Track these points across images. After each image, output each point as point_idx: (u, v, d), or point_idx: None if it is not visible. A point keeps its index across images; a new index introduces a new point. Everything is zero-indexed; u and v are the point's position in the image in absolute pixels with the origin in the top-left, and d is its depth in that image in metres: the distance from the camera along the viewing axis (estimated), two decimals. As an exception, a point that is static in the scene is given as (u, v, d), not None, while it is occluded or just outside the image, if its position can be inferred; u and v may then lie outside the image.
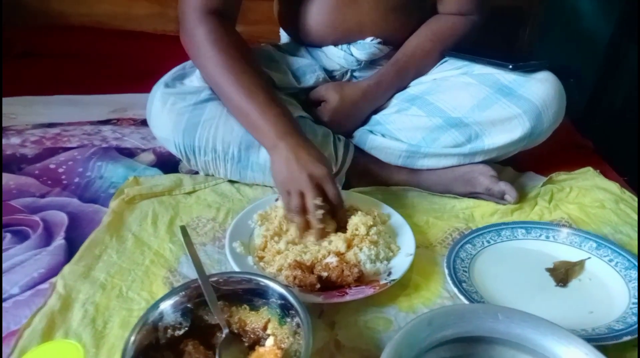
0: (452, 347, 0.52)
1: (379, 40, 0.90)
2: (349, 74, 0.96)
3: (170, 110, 0.83)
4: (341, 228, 0.72)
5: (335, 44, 0.92)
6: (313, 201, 0.68)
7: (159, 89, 0.85)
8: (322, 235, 0.70)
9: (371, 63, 0.94)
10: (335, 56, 0.93)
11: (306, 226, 0.70)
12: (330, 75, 0.96)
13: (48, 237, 0.75)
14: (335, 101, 0.88)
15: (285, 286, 0.56)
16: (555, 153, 0.94)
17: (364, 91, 0.88)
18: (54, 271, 0.68)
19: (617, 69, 1.59)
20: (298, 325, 0.54)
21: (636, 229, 0.77)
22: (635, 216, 0.80)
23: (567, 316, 0.60)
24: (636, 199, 0.85)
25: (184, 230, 0.61)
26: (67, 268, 0.67)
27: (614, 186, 0.86)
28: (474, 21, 0.91)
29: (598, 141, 1.10)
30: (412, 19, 0.90)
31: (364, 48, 0.90)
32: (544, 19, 1.48)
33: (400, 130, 0.86)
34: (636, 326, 0.55)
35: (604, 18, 1.64)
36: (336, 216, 0.71)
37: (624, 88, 1.59)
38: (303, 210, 0.69)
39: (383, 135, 0.88)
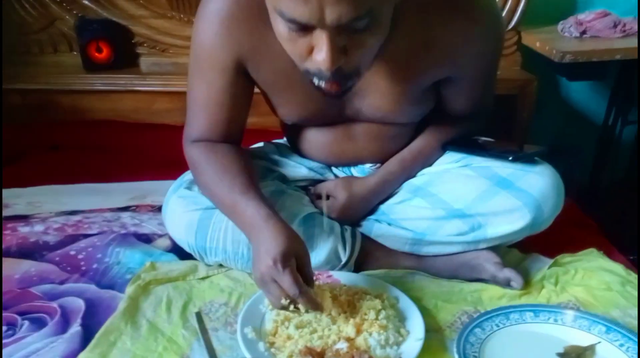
0: None
1: (378, 164, 0.97)
2: None
3: (183, 213, 0.89)
4: (315, 307, 0.71)
5: (336, 167, 1.00)
6: (278, 302, 0.70)
7: (174, 192, 0.92)
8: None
9: None
10: (337, 173, 1.01)
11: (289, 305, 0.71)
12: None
13: (65, 324, 0.77)
14: (343, 199, 0.91)
15: (296, 374, 0.57)
16: (559, 233, 0.96)
17: (371, 189, 0.92)
18: (69, 359, 0.69)
19: (613, 147, 1.65)
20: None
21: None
22: (644, 299, 0.80)
23: None
24: (642, 280, 0.85)
25: (199, 316, 0.63)
26: (82, 356, 0.68)
27: (619, 268, 0.87)
28: (477, 122, 0.97)
29: (601, 219, 1.13)
30: (410, 140, 0.95)
31: (364, 171, 0.98)
32: (539, 103, 1.57)
33: (404, 220, 0.90)
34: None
35: (595, 101, 1.73)
36: (304, 300, 0.70)
37: (622, 164, 1.64)
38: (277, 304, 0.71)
39: (389, 224, 0.92)
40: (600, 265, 0.89)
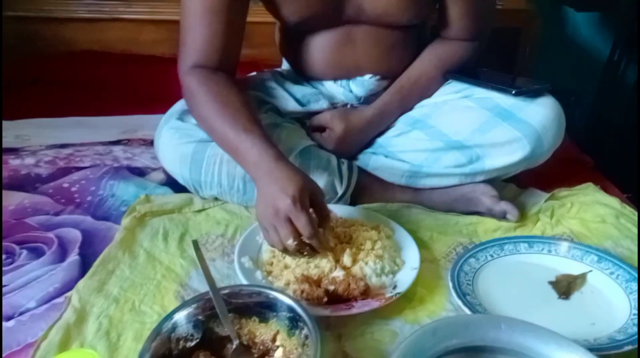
0: (456, 356, 0.53)
1: (377, 77, 0.92)
2: (349, 105, 0.98)
3: (177, 146, 0.86)
4: (325, 249, 0.70)
5: (335, 80, 0.95)
6: (285, 242, 0.67)
7: (166, 123, 0.89)
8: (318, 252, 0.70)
9: (371, 95, 0.95)
10: (335, 92, 0.96)
11: (299, 248, 0.69)
12: (332, 105, 0.98)
13: (62, 253, 0.78)
14: (340, 130, 0.89)
15: (294, 299, 0.58)
16: (557, 169, 0.96)
17: (368, 120, 0.90)
18: (68, 286, 0.70)
19: (616, 86, 1.62)
20: (306, 337, 0.55)
21: (636, 243, 0.78)
22: (636, 231, 0.82)
23: (569, 327, 0.60)
24: (636, 213, 0.86)
25: (195, 244, 0.63)
26: (81, 283, 0.69)
27: (614, 202, 0.88)
28: (476, 46, 0.94)
29: (599, 158, 1.12)
30: (410, 52, 0.93)
31: (363, 85, 0.93)
32: (543, 38, 1.52)
33: (402, 152, 0.89)
34: (636, 336, 0.56)
35: (601, 37, 1.68)
36: (317, 241, 0.68)
37: (622, 105, 1.62)
38: (281, 244, 0.68)
39: (386, 156, 0.91)
40: (596, 198, 0.89)
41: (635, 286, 0.65)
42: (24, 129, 1.21)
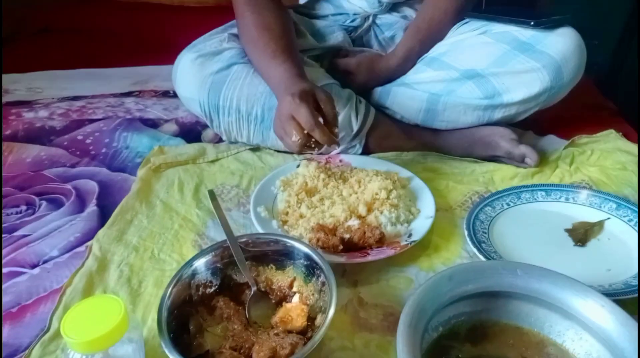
0: (472, 301, 0.54)
1: None
2: (370, 19, 0.97)
3: (198, 70, 0.86)
4: (330, 142, 0.69)
5: None
6: (290, 139, 0.68)
7: (188, 51, 0.89)
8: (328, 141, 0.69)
9: (393, 6, 0.95)
10: (358, 2, 0.95)
11: (305, 142, 0.69)
12: (350, 28, 0.98)
13: (81, 204, 0.79)
14: (364, 78, 0.92)
15: (310, 247, 0.59)
16: (577, 115, 0.93)
17: (392, 69, 0.92)
18: (89, 236, 0.72)
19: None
20: (323, 283, 0.56)
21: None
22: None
23: (585, 274, 0.60)
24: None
25: (212, 193, 0.63)
26: (101, 232, 0.71)
27: (636, 148, 0.86)
28: None
29: (621, 103, 1.09)
30: None
31: None
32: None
33: (419, 83, 0.88)
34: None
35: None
36: (319, 132, 0.67)
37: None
38: (295, 146, 0.69)
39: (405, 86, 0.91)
40: (617, 146, 0.87)
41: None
42: (35, 82, 1.20)
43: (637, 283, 0.57)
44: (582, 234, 0.68)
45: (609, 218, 0.69)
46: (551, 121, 0.89)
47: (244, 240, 0.60)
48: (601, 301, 0.47)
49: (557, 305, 0.50)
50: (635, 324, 0.44)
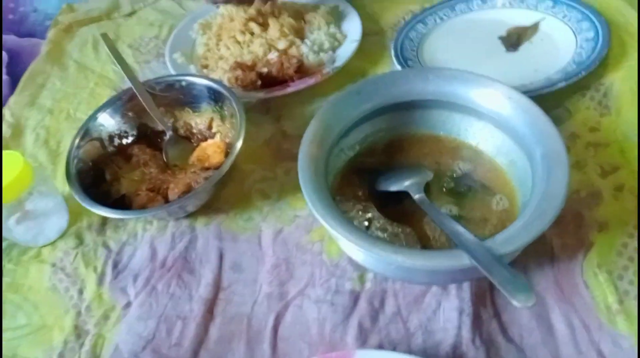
0: (388, 117, 0.52)
1: None
2: None
3: None
4: None
5: None
6: None
7: None
8: None
9: None
10: None
11: None
12: None
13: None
14: None
15: (215, 81, 0.56)
16: None
17: None
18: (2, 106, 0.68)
19: None
20: (232, 115, 0.54)
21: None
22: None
23: (512, 77, 0.57)
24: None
25: (105, 36, 0.58)
26: (12, 99, 0.67)
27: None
28: None
29: None
30: None
31: None
32: None
33: None
34: (574, 74, 0.54)
35: None
36: None
37: None
38: None
39: None
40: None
41: (585, 25, 0.60)
42: None
43: (557, 78, 0.54)
44: (515, 39, 0.64)
45: (544, 19, 0.65)
46: None
47: (150, 84, 0.57)
48: (508, 92, 0.45)
49: (470, 106, 0.48)
50: (538, 110, 0.43)
